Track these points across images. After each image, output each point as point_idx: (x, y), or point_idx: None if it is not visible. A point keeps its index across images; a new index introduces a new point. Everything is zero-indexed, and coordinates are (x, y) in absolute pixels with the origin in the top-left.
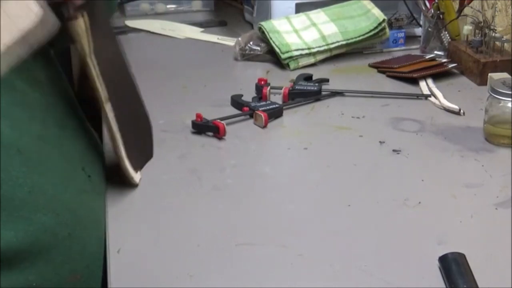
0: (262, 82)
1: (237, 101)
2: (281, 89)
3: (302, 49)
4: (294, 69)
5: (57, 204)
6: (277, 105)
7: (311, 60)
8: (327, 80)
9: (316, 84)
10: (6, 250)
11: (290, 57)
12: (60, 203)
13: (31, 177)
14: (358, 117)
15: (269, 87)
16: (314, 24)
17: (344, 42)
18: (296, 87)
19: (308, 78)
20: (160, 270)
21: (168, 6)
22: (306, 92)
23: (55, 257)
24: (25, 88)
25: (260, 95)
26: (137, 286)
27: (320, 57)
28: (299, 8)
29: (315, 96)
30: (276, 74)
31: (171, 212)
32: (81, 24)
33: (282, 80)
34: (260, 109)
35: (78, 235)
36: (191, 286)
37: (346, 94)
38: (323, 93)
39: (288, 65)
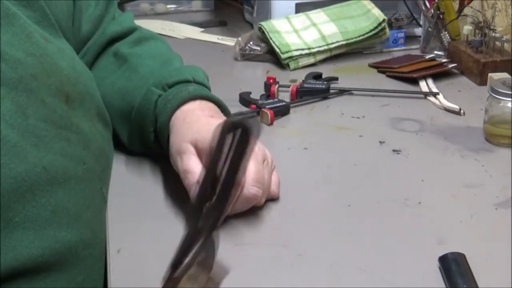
0: (271, 80)
1: (245, 99)
2: (289, 87)
3: (302, 49)
4: (294, 69)
5: (79, 223)
6: (284, 103)
7: (311, 60)
8: (336, 79)
9: (325, 83)
10: (33, 267)
11: (290, 57)
12: (82, 223)
13: (55, 195)
14: (358, 117)
15: (277, 85)
16: (314, 24)
17: (344, 42)
18: (305, 85)
19: (318, 76)
20: (160, 270)
21: (168, 6)
22: (314, 90)
23: (76, 276)
24: (54, 103)
25: (268, 93)
26: (137, 286)
27: (320, 57)
28: (299, 8)
29: (324, 94)
30: (276, 74)
31: (172, 212)
32: None
33: (282, 80)
34: (267, 106)
35: (98, 255)
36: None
37: (346, 93)
38: (331, 91)
39: (288, 65)
